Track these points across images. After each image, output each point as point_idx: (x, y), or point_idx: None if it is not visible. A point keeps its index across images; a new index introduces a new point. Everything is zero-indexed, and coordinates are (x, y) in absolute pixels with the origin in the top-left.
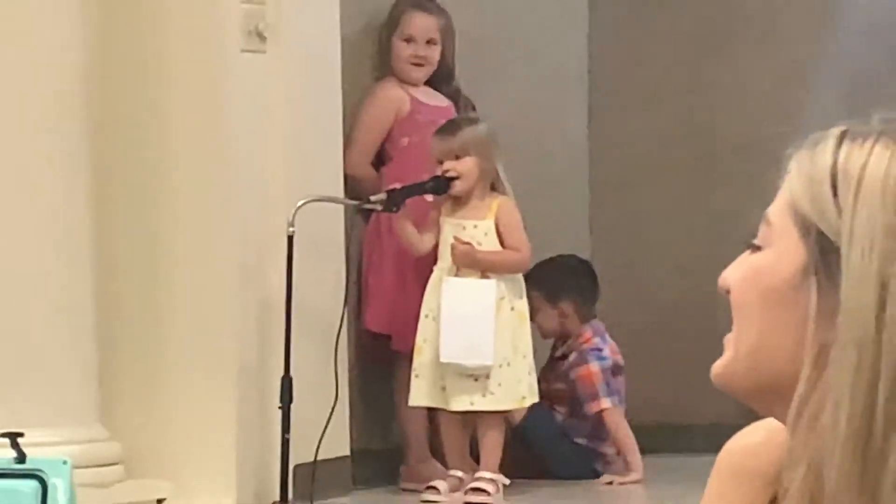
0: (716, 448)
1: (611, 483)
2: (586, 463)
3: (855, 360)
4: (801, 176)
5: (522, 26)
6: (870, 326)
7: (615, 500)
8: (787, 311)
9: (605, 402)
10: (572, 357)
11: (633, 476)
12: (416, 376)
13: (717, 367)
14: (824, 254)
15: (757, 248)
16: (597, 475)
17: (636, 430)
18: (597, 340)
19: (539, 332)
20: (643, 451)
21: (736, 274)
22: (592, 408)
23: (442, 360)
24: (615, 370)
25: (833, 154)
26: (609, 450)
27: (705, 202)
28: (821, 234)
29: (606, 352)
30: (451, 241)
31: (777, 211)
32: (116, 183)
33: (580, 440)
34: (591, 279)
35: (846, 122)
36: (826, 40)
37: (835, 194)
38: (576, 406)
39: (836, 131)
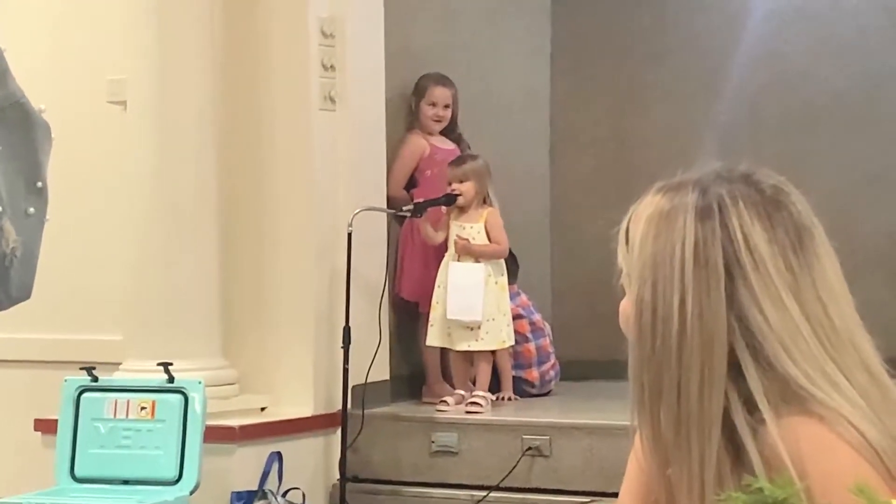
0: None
1: (502, 399)
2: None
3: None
4: None
5: (497, 91)
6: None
7: (534, 404)
8: None
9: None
10: None
11: (506, 393)
12: (432, 325)
13: None
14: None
15: None
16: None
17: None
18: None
19: None
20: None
21: None
22: None
23: (448, 317)
24: (515, 318)
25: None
26: (523, 375)
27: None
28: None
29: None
30: (455, 237)
31: None
32: (238, 194)
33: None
34: (514, 261)
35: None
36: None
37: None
38: None
39: (655, 185)
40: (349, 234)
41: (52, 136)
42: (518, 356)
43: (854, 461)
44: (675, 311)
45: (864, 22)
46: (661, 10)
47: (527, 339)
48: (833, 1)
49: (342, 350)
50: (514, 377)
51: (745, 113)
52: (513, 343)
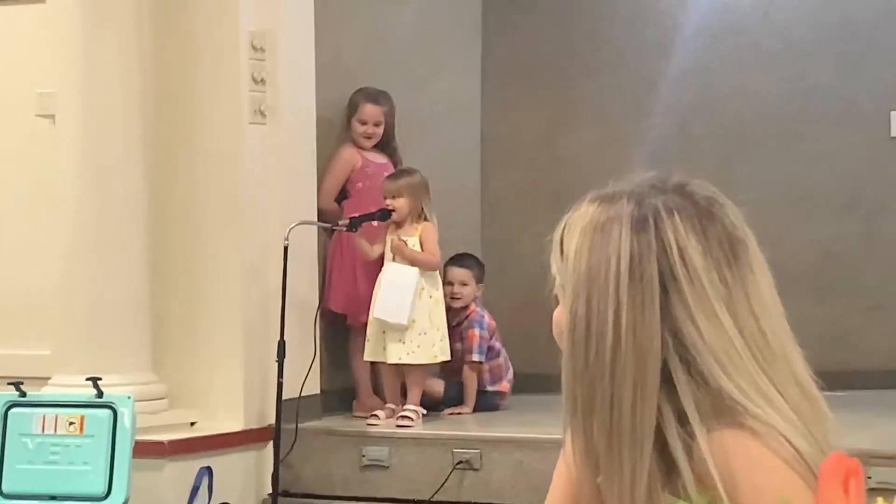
0: None
1: (453, 413)
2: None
3: None
4: None
5: (428, 106)
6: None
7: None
8: None
9: (476, 357)
10: (465, 323)
11: (465, 409)
12: (368, 341)
13: None
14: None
15: None
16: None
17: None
18: (480, 311)
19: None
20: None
21: None
22: (468, 358)
23: (374, 316)
24: (491, 335)
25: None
26: (498, 388)
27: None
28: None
29: (486, 320)
30: (392, 238)
31: None
32: (168, 208)
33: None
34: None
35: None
36: (636, 117)
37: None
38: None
39: (590, 194)
40: (285, 248)
41: None
42: (493, 370)
43: (786, 476)
44: (609, 326)
45: (794, 37)
46: (593, 26)
47: (498, 354)
48: (763, 16)
49: (276, 364)
50: (488, 391)
51: (675, 128)
52: (447, 359)
